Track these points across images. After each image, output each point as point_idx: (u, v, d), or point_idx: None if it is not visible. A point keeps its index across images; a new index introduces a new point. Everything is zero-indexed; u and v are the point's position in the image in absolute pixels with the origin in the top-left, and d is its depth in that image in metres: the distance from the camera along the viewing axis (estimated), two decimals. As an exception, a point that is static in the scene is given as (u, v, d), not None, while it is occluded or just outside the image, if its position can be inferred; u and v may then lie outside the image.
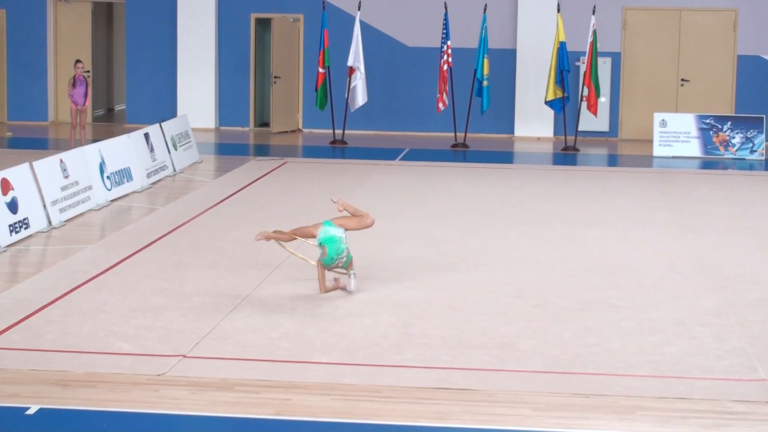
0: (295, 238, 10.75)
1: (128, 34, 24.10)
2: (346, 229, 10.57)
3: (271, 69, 23.45)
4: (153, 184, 16.94)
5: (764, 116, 21.31)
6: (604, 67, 22.76)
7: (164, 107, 23.57)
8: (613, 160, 21.11)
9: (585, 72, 21.46)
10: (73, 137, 19.34)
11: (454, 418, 7.56)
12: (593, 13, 21.52)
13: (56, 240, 13.10)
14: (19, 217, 12.93)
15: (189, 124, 19.55)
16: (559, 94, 21.34)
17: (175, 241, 12.91)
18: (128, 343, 8.97)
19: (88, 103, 19.88)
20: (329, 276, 10.75)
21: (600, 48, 22.17)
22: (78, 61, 19.87)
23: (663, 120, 21.31)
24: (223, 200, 15.52)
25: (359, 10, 22.11)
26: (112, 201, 15.43)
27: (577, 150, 21.54)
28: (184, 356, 8.67)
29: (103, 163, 15.50)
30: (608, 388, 8.11)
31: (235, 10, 23.71)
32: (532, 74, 22.85)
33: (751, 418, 7.62)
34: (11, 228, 12.72)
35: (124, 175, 16.08)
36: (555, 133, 22.94)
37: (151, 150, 17.28)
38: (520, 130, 23.14)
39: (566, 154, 21.26)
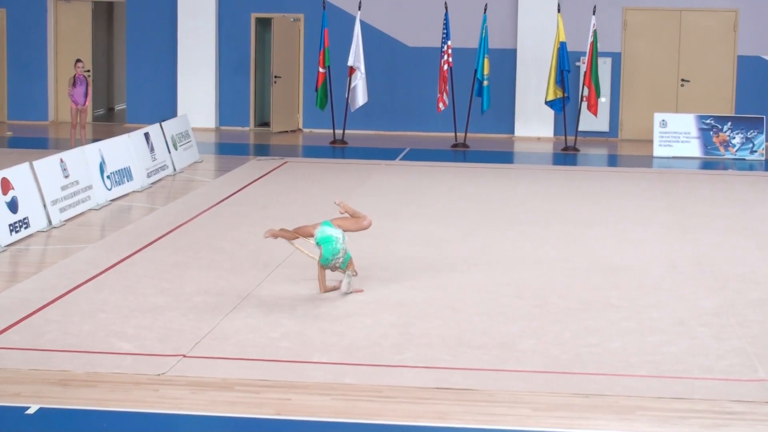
0: (298, 237, 10.77)
1: (128, 33, 24.11)
2: (344, 230, 10.58)
3: (271, 69, 23.45)
4: (153, 183, 16.95)
5: (764, 117, 21.31)
6: (605, 67, 22.76)
7: (164, 107, 23.57)
8: (613, 161, 21.11)
9: (585, 72, 21.46)
10: (73, 137, 19.34)
11: (455, 418, 7.56)
12: (593, 14, 21.52)
13: (56, 240, 13.11)
14: (19, 216, 12.93)
15: (189, 123, 19.55)
16: (560, 94, 21.34)
17: (175, 241, 12.91)
18: (128, 343, 8.97)
19: (89, 102, 19.87)
20: (332, 276, 10.74)
21: (600, 48, 22.17)
22: (78, 60, 19.87)
23: (663, 120, 21.31)
24: (223, 200, 15.52)
25: (359, 9, 22.11)
26: (112, 201, 15.43)
27: (578, 150, 21.54)
28: (184, 356, 8.67)
29: (104, 162, 15.50)
30: (608, 388, 8.11)
31: (236, 10, 23.71)
32: (533, 74, 22.85)
33: (751, 418, 7.62)
34: (11, 227, 12.72)
35: (125, 174, 16.08)
36: (555, 133, 22.94)
37: (152, 150, 17.28)
38: (520, 130, 23.14)
39: (566, 155, 21.27)
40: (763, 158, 20.86)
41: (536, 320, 9.83)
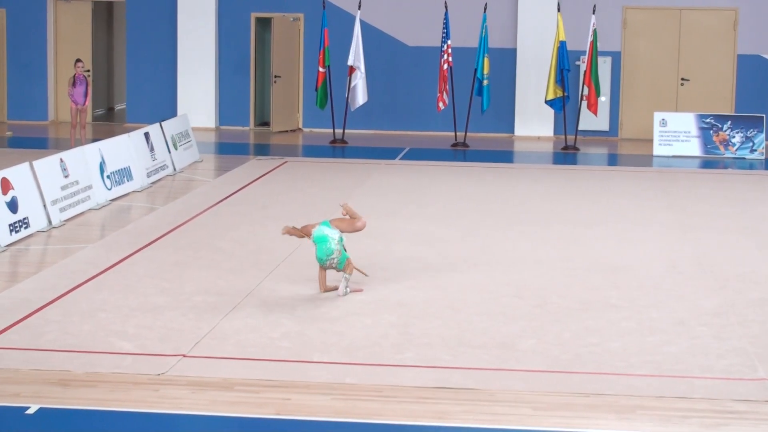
0: (304, 237, 10.77)
1: (128, 33, 24.11)
2: (341, 231, 10.57)
3: (271, 68, 23.45)
4: (153, 183, 16.94)
5: (764, 115, 21.31)
6: (604, 66, 22.76)
7: (164, 106, 23.57)
8: (613, 160, 21.11)
9: (585, 71, 21.46)
10: (73, 137, 19.34)
11: (455, 417, 7.56)
12: (593, 13, 21.52)
13: (56, 239, 13.10)
14: (19, 216, 12.93)
15: (189, 123, 19.55)
16: (559, 94, 21.34)
17: (175, 241, 12.91)
18: (128, 343, 8.97)
19: (88, 102, 19.87)
20: (332, 277, 10.74)
21: (600, 47, 22.17)
22: (78, 60, 19.87)
23: (663, 119, 21.30)
24: (223, 200, 15.52)
25: (359, 9, 22.11)
26: (112, 200, 15.43)
27: (577, 149, 21.54)
28: (184, 356, 8.67)
29: (103, 162, 15.50)
30: (608, 388, 8.11)
31: (236, 10, 23.71)
32: (533, 73, 22.84)
33: (751, 418, 7.62)
34: (11, 227, 12.72)
35: (124, 174, 16.08)
36: (555, 133, 22.94)
37: (151, 149, 17.28)
38: (520, 130, 23.14)
39: (566, 154, 21.26)
40: (763, 157, 20.86)
41: (536, 320, 9.83)
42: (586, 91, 21.45)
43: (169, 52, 23.80)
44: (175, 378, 8.20)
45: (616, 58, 23.03)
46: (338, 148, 21.59)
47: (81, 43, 24.47)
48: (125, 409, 7.61)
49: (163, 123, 18.26)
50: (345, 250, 10.52)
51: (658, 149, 21.17)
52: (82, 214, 14.47)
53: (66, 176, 14.32)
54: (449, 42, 21.53)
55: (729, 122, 21.21)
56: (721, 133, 21.13)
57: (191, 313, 9.86)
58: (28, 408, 7.58)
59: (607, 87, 22.87)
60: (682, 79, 23.03)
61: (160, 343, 9.00)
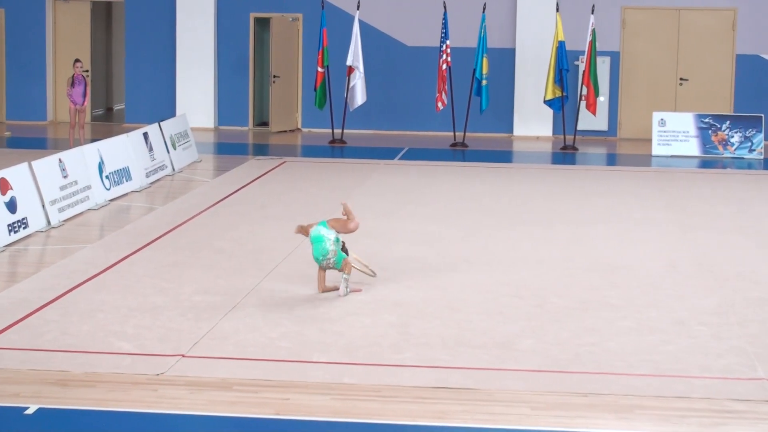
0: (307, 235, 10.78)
1: (127, 33, 24.10)
2: (336, 232, 10.57)
3: (270, 68, 23.45)
4: (152, 183, 16.94)
5: (763, 115, 21.32)
6: (603, 66, 22.77)
7: (163, 107, 23.57)
8: (612, 160, 21.11)
9: (584, 71, 21.47)
10: (72, 137, 19.34)
11: (454, 417, 7.56)
12: (592, 13, 21.52)
13: (55, 240, 13.10)
14: (17, 216, 12.92)
15: (188, 123, 19.55)
16: (558, 94, 21.34)
17: (174, 241, 12.91)
18: (127, 343, 8.97)
19: (87, 102, 19.87)
20: (332, 277, 10.74)
21: (599, 47, 22.18)
22: (77, 60, 19.87)
23: (662, 119, 21.31)
24: (222, 200, 15.52)
25: (358, 9, 22.11)
26: (111, 200, 15.43)
27: (576, 149, 21.55)
28: (183, 356, 8.67)
29: (102, 162, 15.49)
30: (607, 387, 8.11)
31: (234, 10, 23.71)
32: (531, 73, 22.85)
33: (750, 417, 7.62)
34: (10, 228, 12.71)
35: (123, 174, 16.08)
36: (554, 133, 22.94)
37: (150, 149, 17.28)
38: (519, 130, 23.14)
39: (565, 154, 21.27)
40: (762, 157, 20.86)
41: (535, 320, 9.83)
42: (585, 91, 21.46)
43: (168, 52, 23.80)
44: (174, 378, 8.20)
45: (614, 58, 23.04)
46: (337, 148, 21.59)
47: (80, 43, 24.47)
48: (124, 409, 7.61)
49: (161, 123, 18.26)
50: (345, 250, 10.52)
51: (656, 149, 21.17)
52: (81, 214, 14.46)
53: (65, 176, 14.31)
54: (448, 42, 21.53)
55: (728, 122, 21.21)
56: (719, 132, 21.14)
57: (190, 313, 9.86)
58: (27, 408, 7.58)
59: (606, 87, 22.88)
60: (681, 79, 23.04)
61: (159, 343, 9.00)
